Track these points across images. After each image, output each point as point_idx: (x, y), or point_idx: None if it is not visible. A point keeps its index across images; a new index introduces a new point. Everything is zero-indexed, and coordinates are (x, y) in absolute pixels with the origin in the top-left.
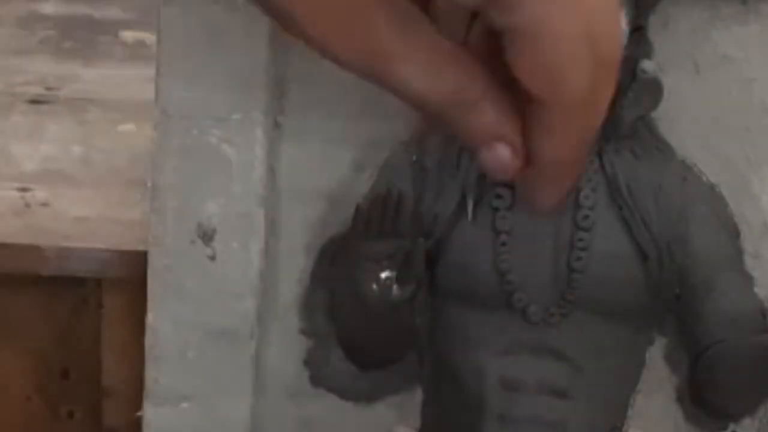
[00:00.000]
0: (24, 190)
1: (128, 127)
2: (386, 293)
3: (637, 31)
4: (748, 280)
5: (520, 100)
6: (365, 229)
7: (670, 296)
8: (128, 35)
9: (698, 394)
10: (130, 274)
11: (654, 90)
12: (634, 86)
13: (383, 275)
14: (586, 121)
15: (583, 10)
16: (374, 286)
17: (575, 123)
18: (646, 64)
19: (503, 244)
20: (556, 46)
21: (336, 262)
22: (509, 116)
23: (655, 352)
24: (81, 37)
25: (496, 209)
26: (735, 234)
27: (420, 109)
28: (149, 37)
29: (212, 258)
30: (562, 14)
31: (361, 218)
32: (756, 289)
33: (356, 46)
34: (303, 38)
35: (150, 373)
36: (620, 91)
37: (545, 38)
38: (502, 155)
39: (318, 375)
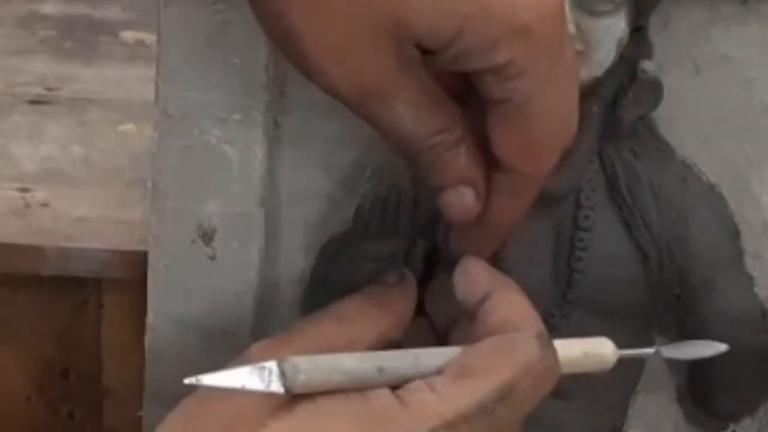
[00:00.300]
0: (24, 190)
1: (128, 127)
2: None
3: (637, 31)
4: (748, 280)
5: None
6: (365, 229)
7: (670, 296)
8: (128, 35)
9: (698, 394)
10: (130, 274)
11: (654, 90)
12: (634, 86)
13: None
14: (541, 187)
15: (573, 88)
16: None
17: (537, 188)
18: (646, 64)
19: (503, 244)
20: (547, 122)
21: (336, 262)
22: (478, 162)
23: None
24: (81, 37)
25: None
26: (735, 234)
27: (402, 146)
28: (149, 37)
29: (212, 258)
30: (559, 88)
31: (361, 218)
32: (756, 289)
33: (357, 77)
34: (302, 65)
35: (150, 373)
36: (620, 91)
37: (538, 113)
38: (467, 198)
39: None
